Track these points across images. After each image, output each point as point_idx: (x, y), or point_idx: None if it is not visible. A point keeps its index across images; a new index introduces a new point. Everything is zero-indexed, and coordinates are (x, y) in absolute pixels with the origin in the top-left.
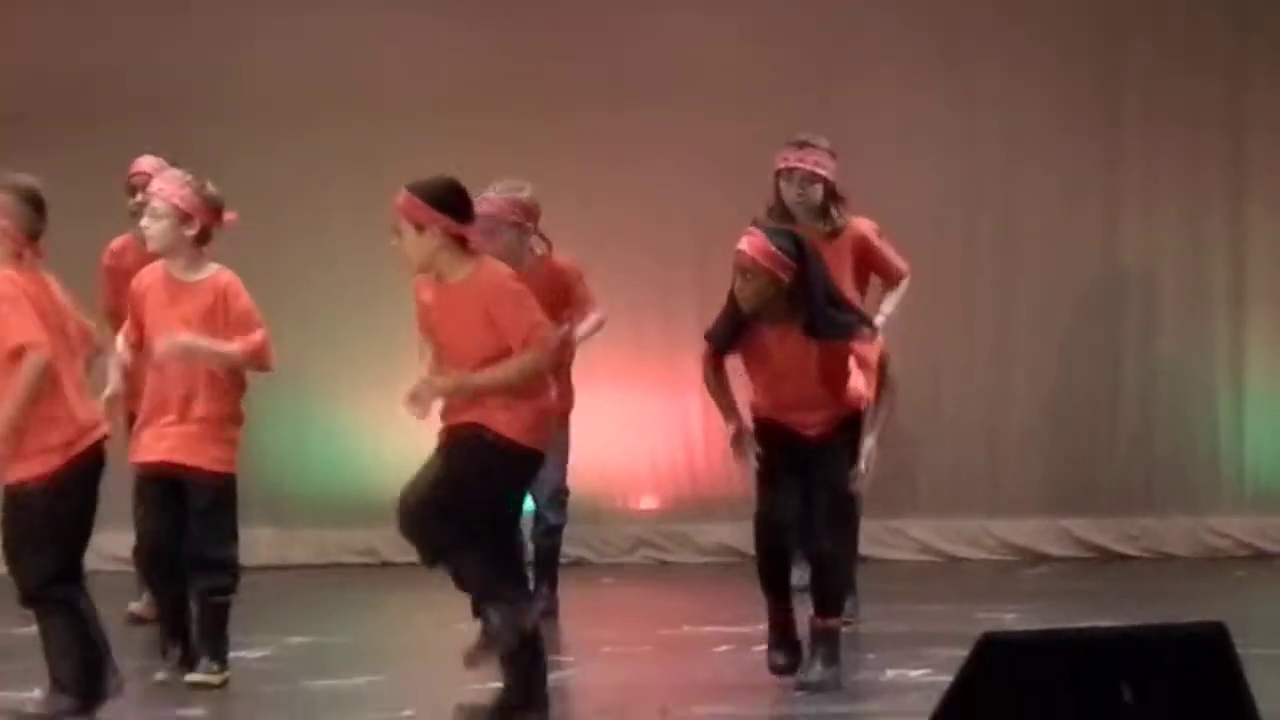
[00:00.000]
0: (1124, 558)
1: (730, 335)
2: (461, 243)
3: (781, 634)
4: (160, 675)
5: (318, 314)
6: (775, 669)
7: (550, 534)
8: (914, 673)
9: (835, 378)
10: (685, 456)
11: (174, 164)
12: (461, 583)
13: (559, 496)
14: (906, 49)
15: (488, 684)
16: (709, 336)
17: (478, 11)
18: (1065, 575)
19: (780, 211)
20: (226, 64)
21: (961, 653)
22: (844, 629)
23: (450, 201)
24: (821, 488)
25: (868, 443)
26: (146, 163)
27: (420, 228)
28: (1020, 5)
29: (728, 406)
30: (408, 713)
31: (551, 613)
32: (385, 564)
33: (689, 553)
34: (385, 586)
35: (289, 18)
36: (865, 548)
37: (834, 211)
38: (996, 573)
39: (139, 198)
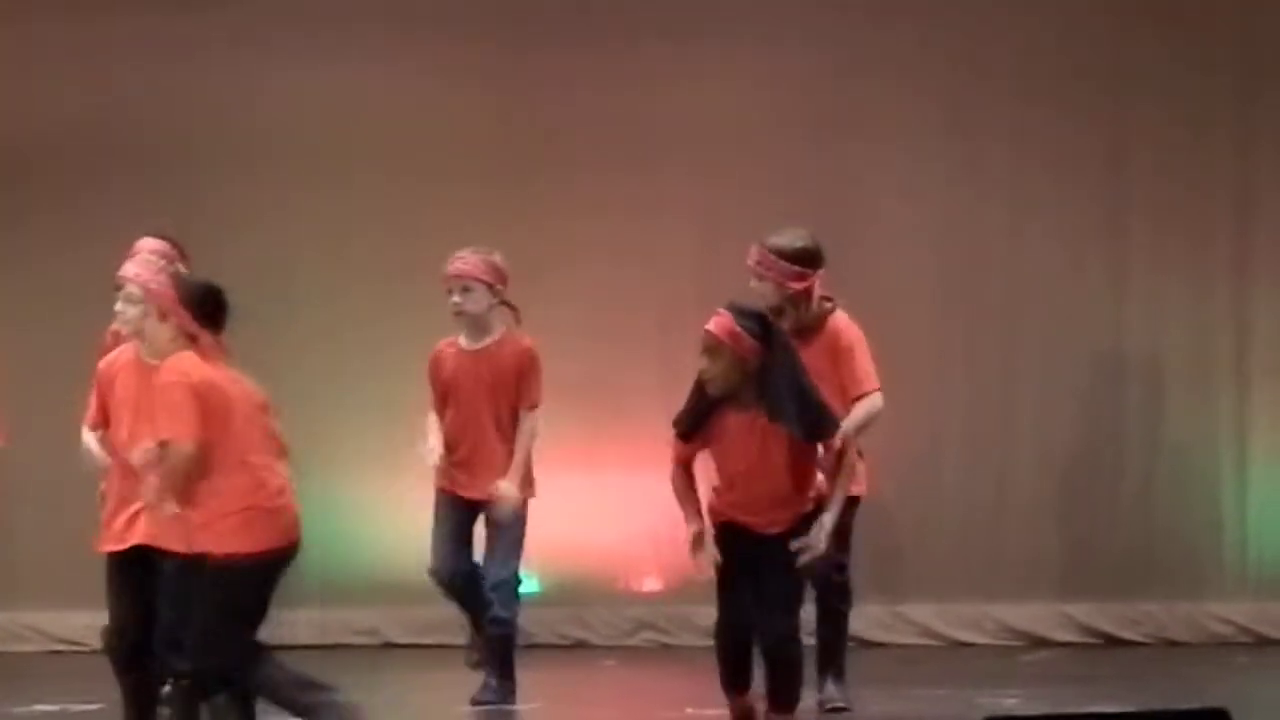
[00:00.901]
0: (1126, 643)
1: (696, 419)
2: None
3: None
4: None
5: (316, 391)
6: None
7: (497, 624)
8: None
9: (801, 472)
10: (687, 537)
11: (177, 246)
12: None
13: (511, 584)
14: (912, 119)
15: None
16: (676, 422)
17: (487, 74)
18: (1067, 660)
19: None
20: (238, 120)
21: None
22: (838, 716)
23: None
24: (770, 576)
25: (825, 519)
26: (147, 244)
27: None
28: (1026, 76)
29: (691, 508)
30: None
31: (502, 703)
32: (387, 644)
33: (691, 635)
34: (389, 667)
35: (298, 75)
36: (867, 631)
37: (798, 309)
38: (998, 657)
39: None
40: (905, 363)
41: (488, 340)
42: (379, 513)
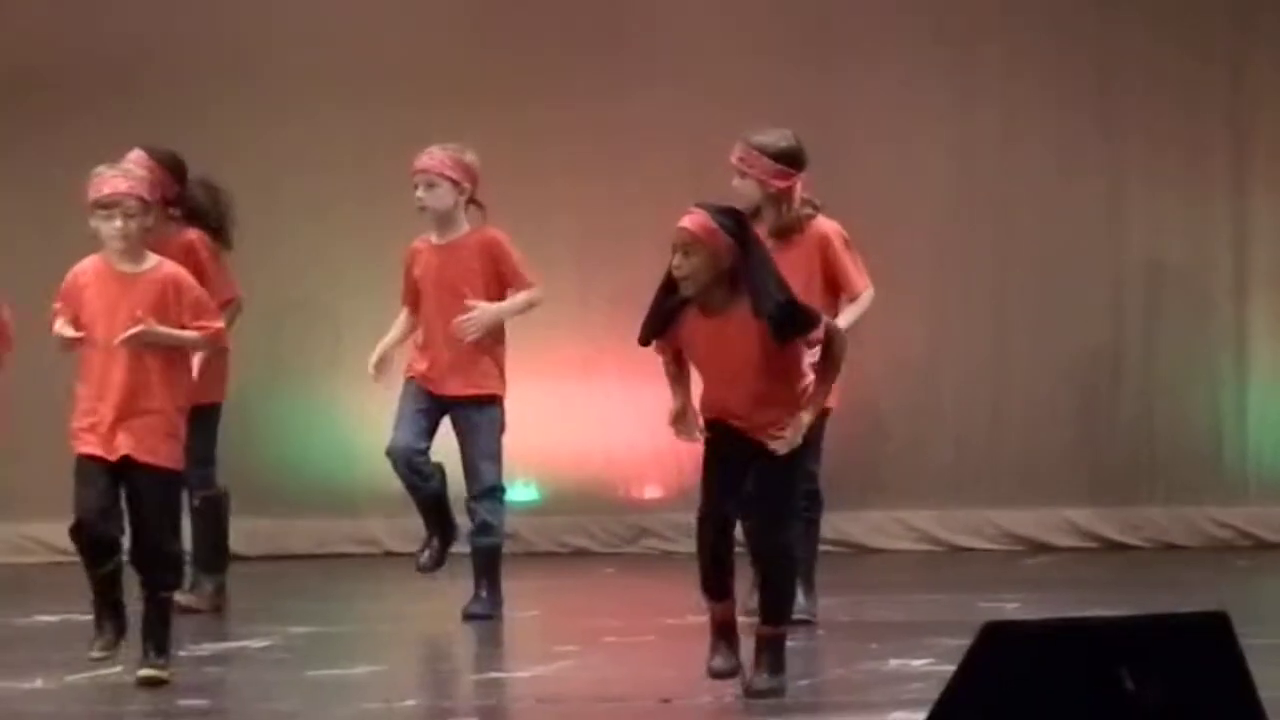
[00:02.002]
0: (1126, 547)
1: (659, 323)
2: None
3: (722, 638)
4: (94, 653)
5: (317, 300)
6: (715, 674)
7: (484, 531)
8: (916, 662)
9: (787, 374)
10: (689, 445)
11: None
12: None
13: (495, 492)
14: (903, 35)
15: (492, 674)
16: (640, 336)
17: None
18: (1067, 565)
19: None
20: (228, 40)
21: (964, 642)
22: (805, 627)
23: None
24: (764, 485)
25: (803, 414)
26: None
27: None
28: None
29: (676, 386)
30: (411, 702)
31: (492, 616)
32: (387, 553)
33: (692, 542)
34: (387, 576)
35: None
36: (867, 537)
37: (779, 209)
38: (999, 562)
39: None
40: (901, 271)
41: (454, 236)
42: (378, 423)
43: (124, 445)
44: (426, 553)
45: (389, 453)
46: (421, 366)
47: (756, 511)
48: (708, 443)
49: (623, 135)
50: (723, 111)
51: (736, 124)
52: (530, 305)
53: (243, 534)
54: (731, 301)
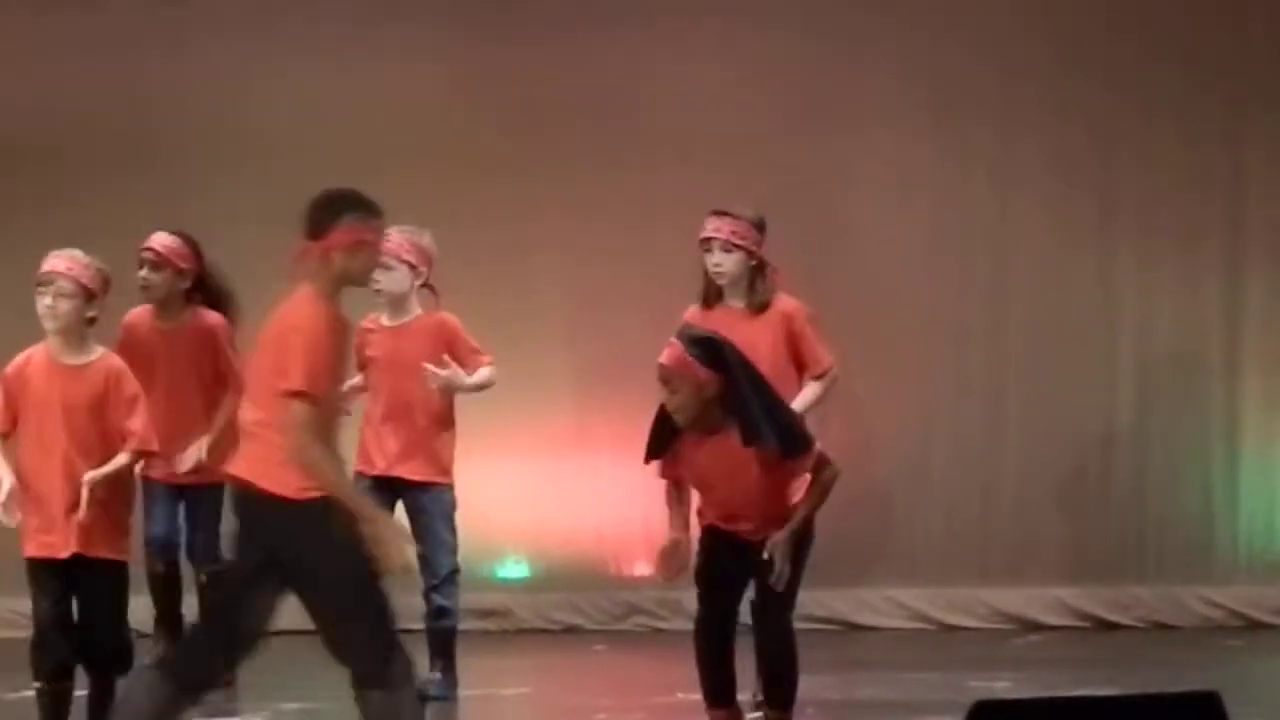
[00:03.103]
0: (1117, 627)
1: (659, 446)
2: None
3: None
4: None
5: None
6: None
7: (442, 615)
8: None
9: (779, 480)
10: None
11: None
12: None
13: (452, 578)
14: (898, 107)
15: None
16: (645, 455)
17: (472, 62)
18: (1058, 644)
19: (705, 283)
20: (225, 114)
21: None
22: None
23: None
24: (766, 572)
25: (786, 527)
26: (159, 240)
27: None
28: (1011, 57)
29: (675, 518)
30: None
31: (448, 697)
32: None
33: (682, 620)
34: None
35: (285, 66)
36: (858, 615)
37: (758, 284)
38: (989, 641)
39: (145, 272)
40: (894, 346)
41: (405, 319)
42: None
43: (72, 543)
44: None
45: None
46: (372, 449)
47: (760, 598)
48: (705, 550)
49: (616, 209)
50: (718, 185)
51: (731, 197)
52: (490, 381)
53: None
54: (726, 420)
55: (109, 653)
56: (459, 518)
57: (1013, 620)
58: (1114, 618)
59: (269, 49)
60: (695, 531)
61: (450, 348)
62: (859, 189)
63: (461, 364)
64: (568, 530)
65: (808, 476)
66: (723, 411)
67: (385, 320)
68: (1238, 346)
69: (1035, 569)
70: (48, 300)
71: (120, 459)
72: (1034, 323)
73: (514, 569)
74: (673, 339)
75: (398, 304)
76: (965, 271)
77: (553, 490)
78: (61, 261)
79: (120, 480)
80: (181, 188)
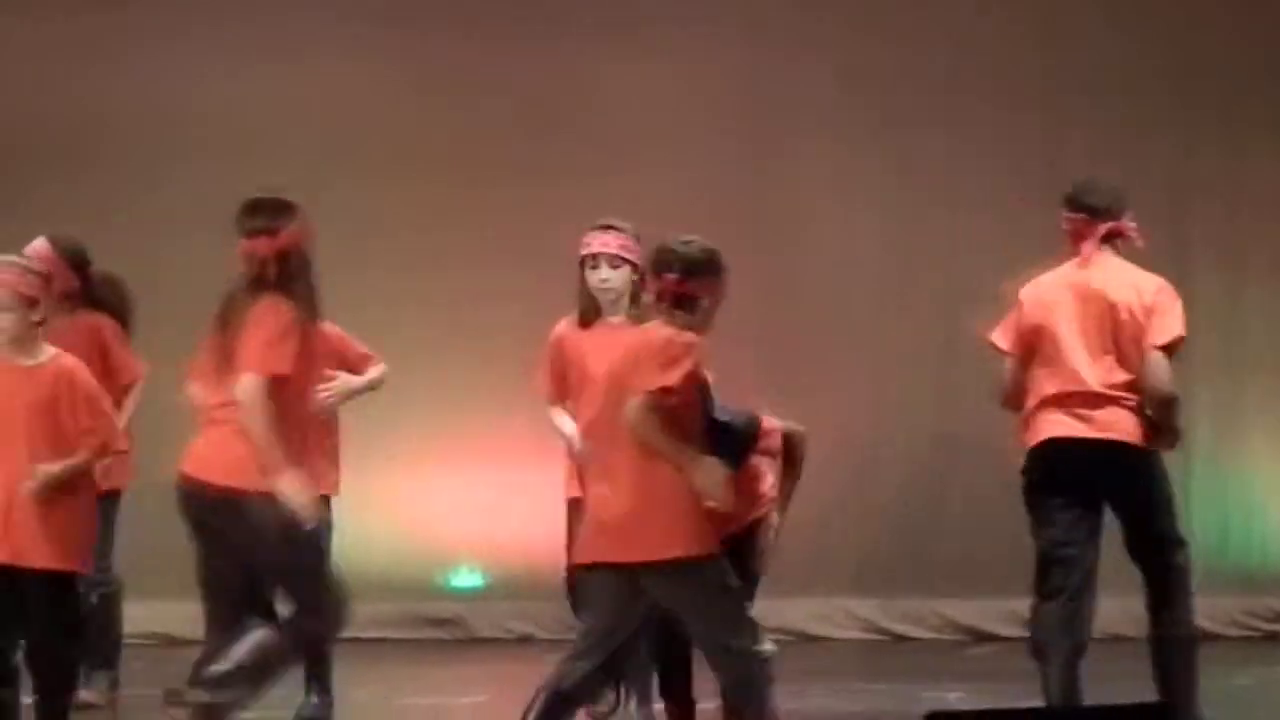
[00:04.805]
0: None
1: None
2: None
3: None
4: None
5: None
6: None
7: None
8: None
9: (750, 484)
10: None
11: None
12: None
13: None
14: (847, 118)
15: None
16: None
17: (420, 69)
18: (1011, 655)
19: (585, 299)
20: (169, 119)
21: None
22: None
23: None
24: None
25: (774, 518)
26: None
27: None
28: (960, 68)
29: None
30: None
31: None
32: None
33: None
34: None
35: (230, 70)
36: (809, 625)
37: (640, 297)
38: (942, 652)
39: None
40: (843, 360)
41: None
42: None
43: (3, 552)
44: None
45: None
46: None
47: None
48: None
49: (565, 217)
50: (663, 191)
51: (676, 203)
52: (382, 379)
53: (180, 619)
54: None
55: (45, 669)
56: (414, 527)
57: (965, 630)
58: None
59: (204, 55)
60: None
61: (342, 355)
62: (805, 200)
63: (353, 369)
64: (522, 540)
65: (768, 476)
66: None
67: None
68: (1188, 357)
69: (987, 580)
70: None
71: (73, 459)
72: (984, 332)
73: (468, 578)
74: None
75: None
76: (913, 282)
77: (508, 500)
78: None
79: (70, 484)
80: (113, 193)
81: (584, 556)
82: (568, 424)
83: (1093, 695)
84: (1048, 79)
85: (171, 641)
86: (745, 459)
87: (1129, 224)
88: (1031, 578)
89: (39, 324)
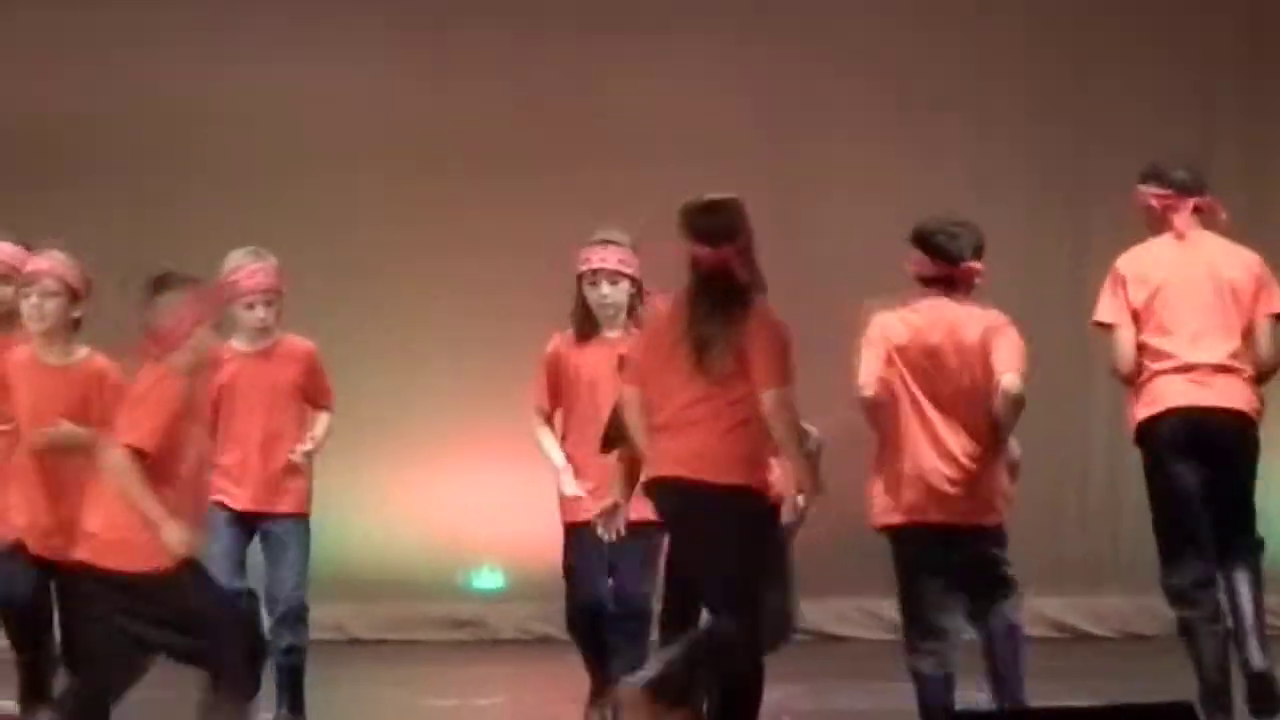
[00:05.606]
0: (1092, 637)
1: (616, 436)
2: None
3: None
4: None
5: None
6: None
7: (294, 652)
8: None
9: None
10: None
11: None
12: None
13: (299, 613)
14: (868, 103)
15: None
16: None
17: (442, 67)
18: (1035, 654)
19: (583, 315)
20: (194, 115)
21: None
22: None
23: None
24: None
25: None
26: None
27: None
28: (981, 53)
29: (621, 486)
30: None
31: None
32: (353, 640)
33: (657, 629)
34: (354, 663)
35: (257, 68)
36: (832, 626)
37: (638, 310)
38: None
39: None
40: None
41: (265, 343)
42: (341, 503)
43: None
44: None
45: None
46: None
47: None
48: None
49: (583, 210)
50: (685, 185)
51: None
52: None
53: None
54: None
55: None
56: (435, 528)
57: None
58: (1090, 628)
59: (231, 51)
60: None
61: (311, 376)
62: (826, 184)
63: (316, 397)
64: (544, 541)
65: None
66: None
67: (243, 345)
68: None
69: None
70: (33, 300)
71: (81, 431)
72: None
73: (489, 579)
74: None
75: (265, 332)
76: None
77: (529, 501)
78: (44, 261)
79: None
80: (142, 190)
81: None
82: (556, 453)
83: (1113, 694)
84: (1070, 61)
85: None
86: None
87: (1214, 199)
88: (1054, 578)
89: (77, 320)
